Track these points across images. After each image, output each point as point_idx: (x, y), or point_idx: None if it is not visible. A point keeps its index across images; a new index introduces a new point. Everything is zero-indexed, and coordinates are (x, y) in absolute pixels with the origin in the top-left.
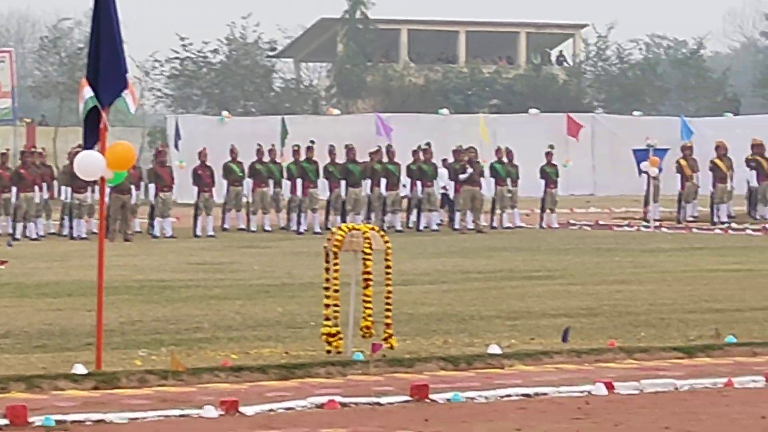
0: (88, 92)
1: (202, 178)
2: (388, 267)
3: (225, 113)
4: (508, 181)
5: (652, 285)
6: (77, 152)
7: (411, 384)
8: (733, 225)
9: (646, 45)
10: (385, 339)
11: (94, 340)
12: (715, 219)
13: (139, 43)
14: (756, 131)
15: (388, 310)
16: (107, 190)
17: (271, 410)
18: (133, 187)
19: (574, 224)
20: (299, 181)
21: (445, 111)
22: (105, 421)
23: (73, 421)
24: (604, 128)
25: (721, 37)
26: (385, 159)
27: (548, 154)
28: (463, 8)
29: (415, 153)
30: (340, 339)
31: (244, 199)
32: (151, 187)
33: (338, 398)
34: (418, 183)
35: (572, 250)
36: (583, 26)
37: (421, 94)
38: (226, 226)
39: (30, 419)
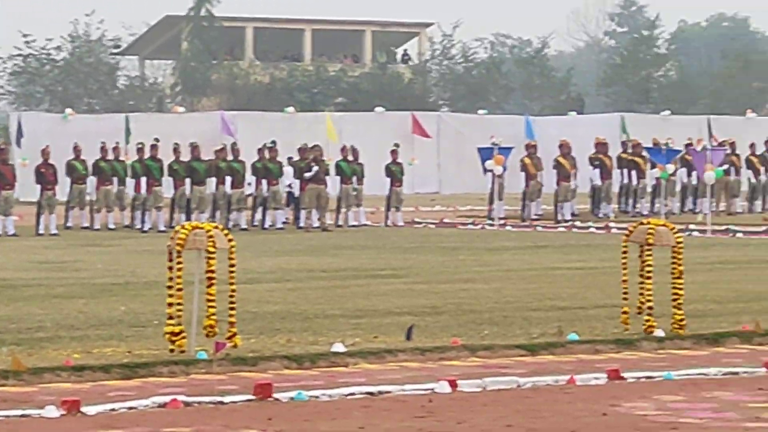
0: None
1: (45, 176)
2: (232, 265)
3: (68, 111)
4: (354, 179)
5: (496, 283)
6: None
7: (255, 383)
8: (577, 223)
9: (491, 44)
10: (229, 338)
11: None
12: (559, 217)
13: None
14: (599, 130)
15: (232, 308)
16: None
17: (113, 410)
18: None
19: (419, 222)
20: (143, 179)
21: (290, 109)
22: None
23: None
24: (449, 127)
25: (565, 36)
26: (230, 157)
27: (393, 152)
28: (309, 6)
29: (260, 151)
30: (184, 338)
31: (88, 197)
32: None
33: (181, 397)
34: (264, 181)
35: (417, 249)
36: (429, 25)
37: (267, 92)
38: (69, 224)
39: None
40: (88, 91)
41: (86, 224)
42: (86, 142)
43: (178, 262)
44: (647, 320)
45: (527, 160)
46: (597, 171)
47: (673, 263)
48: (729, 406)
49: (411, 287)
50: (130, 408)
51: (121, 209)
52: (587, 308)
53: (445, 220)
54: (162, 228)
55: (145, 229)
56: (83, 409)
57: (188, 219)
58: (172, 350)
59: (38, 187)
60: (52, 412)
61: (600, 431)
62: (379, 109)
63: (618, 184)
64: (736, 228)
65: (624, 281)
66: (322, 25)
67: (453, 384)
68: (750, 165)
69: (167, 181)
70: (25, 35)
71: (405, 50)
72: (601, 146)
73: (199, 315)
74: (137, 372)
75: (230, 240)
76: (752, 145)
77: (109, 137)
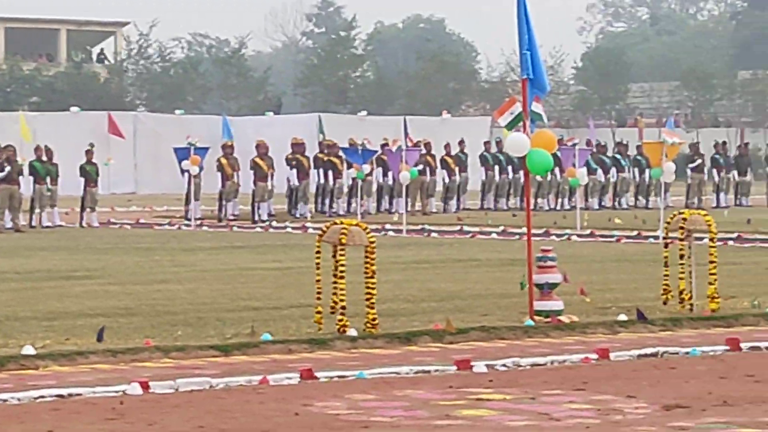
0: None
1: None
2: None
3: None
4: (48, 179)
5: (191, 284)
6: None
7: None
8: (274, 223)
9: (189, 43)
10: None
11: None
12: (256, 217)
13: None
14: (296, 130)
15: None
16: None
17: None
18: None
19: (114, 223)
20: None
21: None
22: None
23: None
24: (146, 127)
25: (263, 36)
26: None
27: (88, 153)
28: (1, 3)
29: None
30: None
31: None
32: None
33: None
34: None
35: (112, 250)
36: (125, 24)
37: None
38: None
39: None
40: None
41: None
42: None
43: None
44: (340, 320)
45: (224, 161)
46: (294, 171)
47: (366, 263)
48: (420, 404)
49: (105, 288)
50: None
51: None
52: (282, 308)
53: (141, 221)
54: None
55: None
56: None
57: None
58: None
59: None
60: None
61: (292, 431)
62: (74, 108)
63: (315, 185)
64: (431, 227)
65: (318, 281)
66: (16, 23)
67: (145, 385)
68: (445, 165)
69: None
70: None
71: (101, 49)
72: (298, 146)
73: None
74: None
75: None
76: (447, 146)
77: None
